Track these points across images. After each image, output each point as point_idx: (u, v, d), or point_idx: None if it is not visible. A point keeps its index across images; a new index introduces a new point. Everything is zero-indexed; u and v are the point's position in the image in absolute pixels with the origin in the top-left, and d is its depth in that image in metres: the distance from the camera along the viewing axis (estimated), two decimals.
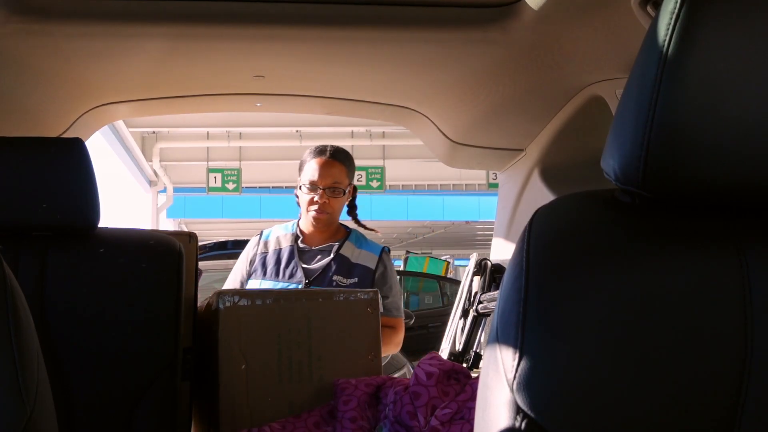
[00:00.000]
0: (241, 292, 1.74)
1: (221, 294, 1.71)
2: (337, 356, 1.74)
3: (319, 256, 2.40)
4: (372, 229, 2.65)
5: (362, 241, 2.49)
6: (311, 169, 2.38)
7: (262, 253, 2.44)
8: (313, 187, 2.37)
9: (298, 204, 2.50)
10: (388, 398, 1.61)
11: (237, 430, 1.63)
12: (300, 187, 2.43)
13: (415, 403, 1.53)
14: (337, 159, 2.39)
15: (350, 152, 2.53)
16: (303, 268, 2.37)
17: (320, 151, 2.42)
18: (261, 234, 2.52)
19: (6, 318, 0.82)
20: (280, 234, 2.48)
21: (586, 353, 0.71)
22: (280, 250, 2.43)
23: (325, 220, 2.39)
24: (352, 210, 2.56)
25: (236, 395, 1.66)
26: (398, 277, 3.74)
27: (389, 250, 2.55)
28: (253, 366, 1.68)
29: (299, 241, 2.43)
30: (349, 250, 2.42)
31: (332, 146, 2.45)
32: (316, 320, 1.74)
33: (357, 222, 2.59)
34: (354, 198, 2.55)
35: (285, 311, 1.73)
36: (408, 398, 1.55)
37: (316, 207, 2.36)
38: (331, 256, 2.39)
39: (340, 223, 2.51)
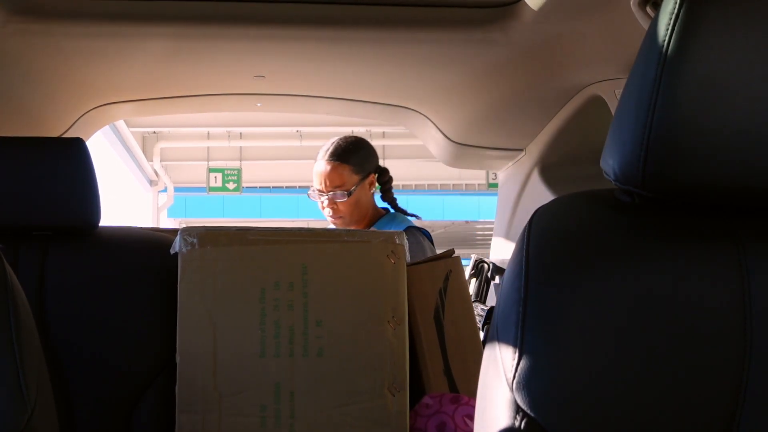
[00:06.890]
0: (211, 231, 1.34)
1: (184, 233, 1.35)
2: (343, 322, 1.34)
3: None
4: (414, 215, 2.39)
5: (393, 224, 2.26)
6: (314, 175, 2.24)
7: None
8: (316, 194, 2.25)
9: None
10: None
11: (205, 420, 1.32)
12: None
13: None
14: (335, 159, 2.21)
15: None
16: None
17: (320, 154, 2.24)
18: None
19: (7, 316, 0.82)
20: None
21: (585, 352, 0.71)
22: None
23: (341, 224, 2.25)
24: (386, 195, 2.34)
25: (199, 374, 1.33)
26: None
27: (427, 234, 2.24)
28: (224, 334, 1.33)
29: None
30: None
31: (334, 143, 2.26)
32: (315, 271, 1.33)
33: (396, 207, 2.35)
34: (387, 181, 2.33)
35: (271, 258, 1.33)
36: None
37: (327, 213, 2.24)
38: None
39: (383, 208, 2.32)
